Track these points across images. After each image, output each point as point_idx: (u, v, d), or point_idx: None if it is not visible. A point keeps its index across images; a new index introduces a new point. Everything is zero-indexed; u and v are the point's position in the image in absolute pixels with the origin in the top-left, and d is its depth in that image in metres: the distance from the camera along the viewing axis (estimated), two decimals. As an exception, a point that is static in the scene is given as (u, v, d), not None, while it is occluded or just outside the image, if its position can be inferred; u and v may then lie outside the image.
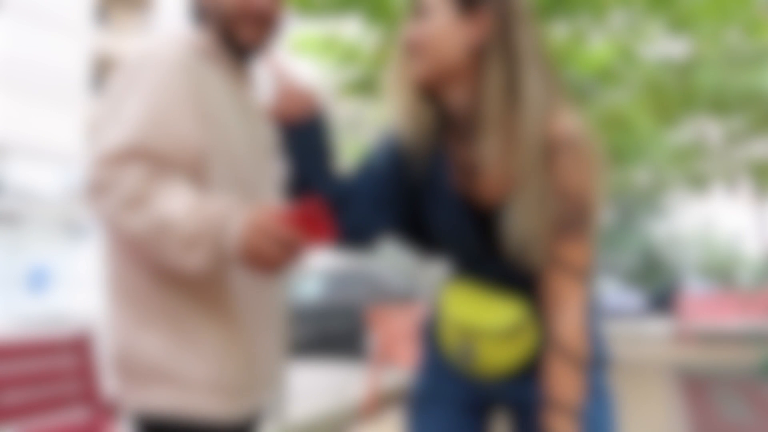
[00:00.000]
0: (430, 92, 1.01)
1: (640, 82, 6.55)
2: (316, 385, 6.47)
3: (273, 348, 1.14)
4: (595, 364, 1.05)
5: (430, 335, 1.17)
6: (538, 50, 0.97)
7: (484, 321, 1.01)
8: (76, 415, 2.39)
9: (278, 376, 1.20)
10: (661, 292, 21.24)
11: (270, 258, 0.90)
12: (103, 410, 2.48)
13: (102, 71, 24.32)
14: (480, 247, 1.05)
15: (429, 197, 1.08)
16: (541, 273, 0.99)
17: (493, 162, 0.96)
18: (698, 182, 10.04)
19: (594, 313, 1.07)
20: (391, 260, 17.49)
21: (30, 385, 2.28)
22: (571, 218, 0.95)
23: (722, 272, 24.80)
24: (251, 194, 1.07)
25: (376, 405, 4.41)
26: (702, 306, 10.31)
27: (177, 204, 0.91)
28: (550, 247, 0.96)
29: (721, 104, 6.91)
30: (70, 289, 18.16)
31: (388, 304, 7.85)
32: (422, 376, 1.16)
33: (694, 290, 17.93)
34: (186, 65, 1.03)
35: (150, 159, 0.94)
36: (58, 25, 21.48)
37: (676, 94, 6.76)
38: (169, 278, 1.00)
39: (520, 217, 0.94)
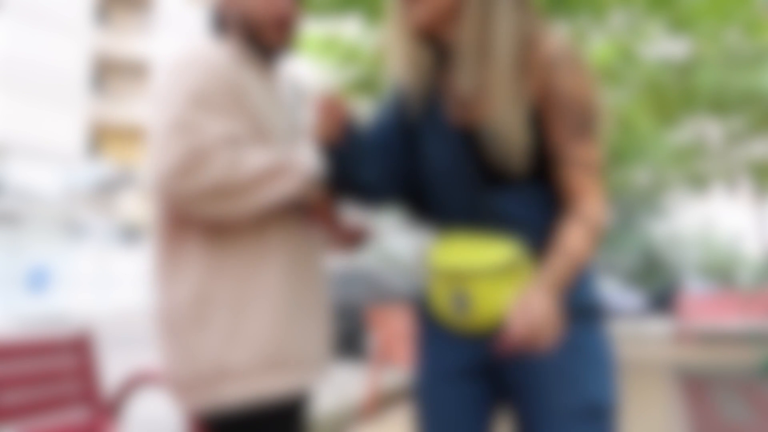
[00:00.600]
0: (429, 33, 1.09)
1: (640, 82, 6.55)
2: (316, 385, 6.47)
3: (317, 330, 1.26)
4: (596, 312, 1.07)
5: (423, 309, 1.18)
6: None
7: (477, 261, 1.03)
8: (76, 415, 2.39)
9: (323, 357, 1.33)
10: (661, 292, 21.25)
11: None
12: (103, 410, 2.48)
13: (102, 71, 24.32)
14: (473, 178, 1.09)
15: (427, 138, 1.14)
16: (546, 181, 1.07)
17: (468, 85, 1.04)
18: (698, 182, 10.04)
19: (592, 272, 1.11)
20: (391, 260, 17.50)
21: (30, 385, 2.28)
22: (579, 122, 1.03)
23: (722, 272, 24.82)
24: None
25: (376, 405, 4.41)
26: (702, 306, 10.31)
27: (258, 157, 1.12)
28: (561, 151, 1.04)
29: (721, 104, 6.91)
30: (70, 289, 18.16)
31: (388, 304, 7.85)
32: (422, 356, 1.16)
33: (694, 290, 17.93)
34: (227, 64, 1.17)
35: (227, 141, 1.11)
36: (58, 25, 21.48)
37: (676, 94, 6.76)
38: (225, 275, 1.13)
39: (499, 130, 1.02)
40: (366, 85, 5.62)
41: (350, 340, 8.12)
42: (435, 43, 1.12)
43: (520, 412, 1.06)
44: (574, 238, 1.01)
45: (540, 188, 1.07)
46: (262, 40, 1.24)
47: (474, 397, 1.11)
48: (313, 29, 5.52)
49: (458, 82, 1.06)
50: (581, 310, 1.06)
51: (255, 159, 1.11)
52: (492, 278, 1.02)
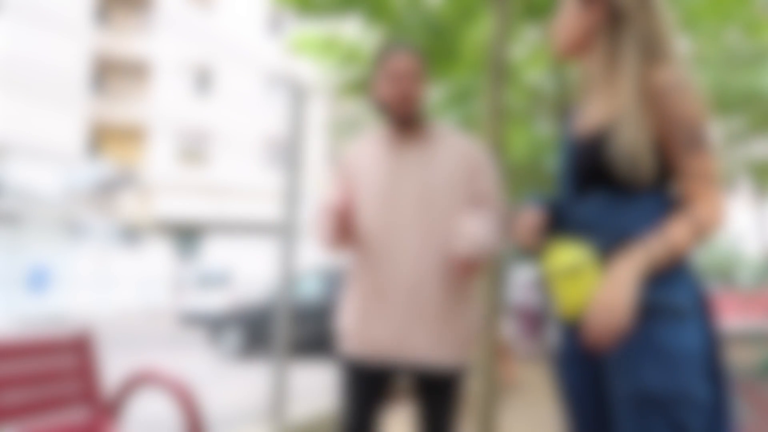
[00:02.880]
0: (566, 62, 1.40)
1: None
2: (316, 385, 6.46)
3: (402, 314, 1.63)
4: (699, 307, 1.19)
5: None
6: (642, 31, 1.27)
7: (558, 263, 1.23)
8: (76, 415, 2.39)
9: (411, 337, 1.62)
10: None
11: None
12: (103, 410, 2.48)
13: (102, 71, 24.30)
14: (571, 187, 1.32)
15: (560, 149, 1.42)
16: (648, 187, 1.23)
17: (613, 104, 1.26)
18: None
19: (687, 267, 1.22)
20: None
21: (30, 385, 2.28)
22: (690, 138, 1.19)
23: (722, 272, 24.81)
24: (383, 227, 1.68)
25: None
26: (702, 306, 10.31)
27: None
28: (679, 166, 1.20)
29: (721, 104, 6.91)
30: (70, 289, 18.15)
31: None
32: (557, 340, 1.38)
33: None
34: (344, 155, 1.82)
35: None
36: (58, 25, 21.47)
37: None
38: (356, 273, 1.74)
39: (624, 136, 1.21)
40: (366, 85, 5.61)
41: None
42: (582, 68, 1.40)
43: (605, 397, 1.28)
44: (675, 229, 1.16)
45: (614, 198, 1.24)
46: (395, 116, 1.70)
47: (584, 379, 1.30)
48: (313, 29, 5.52)
49: (589, 101, 1.32)
50: (652, 307, 1.17)
51: None
52: (564, 279, 1.21)
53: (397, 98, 1.67)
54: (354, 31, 5.59)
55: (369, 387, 1.67)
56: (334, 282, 8.44)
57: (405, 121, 1.70)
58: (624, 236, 1.21)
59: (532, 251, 1.37)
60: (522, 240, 1.37)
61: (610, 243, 1.22)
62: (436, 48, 4.58)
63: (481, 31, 4.67)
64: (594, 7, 1.32)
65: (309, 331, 8.29)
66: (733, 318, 10.05)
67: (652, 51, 1.26)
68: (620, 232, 1.22)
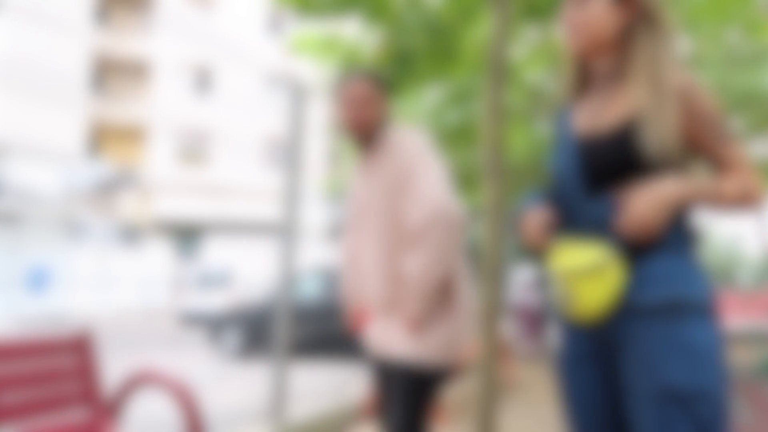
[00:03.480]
0: (583, 60, 1.37)
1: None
2: (316, 385, 6.46)
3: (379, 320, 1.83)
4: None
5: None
6: (670, 29, 1.31)
7: (573, 262, 1.23)
8: (76, 415, 2.39)
9: (382, 336, 1.81)
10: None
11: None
12: (103, 410, 2.48)
13: (102, 71, 24.30)
14: (582, 186, 1.31)
15: (559, 151, 1.40)
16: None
17: (641, 101, 1.26)
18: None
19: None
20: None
21: (30, 385, 2.28)
22: (721, 130, 1.24)
23: (722, 272, 24.79)
24: (358, 230, 1.91)
25: (376, 405, 4.41)
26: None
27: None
28: (717, 158, 1.25)
29: (721, 104, 6.91)
30: (70, 289, 18.15)
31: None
32: (561, 342, 1.38)
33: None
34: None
35: None
36: (58, 25, 21.47)
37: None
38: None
39: (657, 126, 1.23)
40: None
41: (350, 340, 8.12)
42: (581, 67, 1.41)
43: (622, 393, 1.28)
44: (727, 182, 1.21)
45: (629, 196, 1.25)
46: (352, 138, 1.86)
47: (595, 379, 1.31)
48: (313, 29, 5.51)
49: (628, 97, 1.29)
50: (676, 304, 1.18)
51: None
52: (584, 278, 1.22)
53: (352, 123, 1.85)
54: (354, 31, 5.60)
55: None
56: (334, 282, 8.44)
57: (363, 142, 1.87)
58: (650, 238, 1.23)
59: (539, 251, 1.35)
60: (530, 240, 1.33)
61: (631, 242, 1.23)
62: (436, 48, 4.58)
63: (481, 31, 4.67)
64: (626, 7, 1.31)
65: (309, 331, 8.29)
66: (733, 318, 10.05)
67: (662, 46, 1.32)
68: (647, 235, 1.21)
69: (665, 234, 1.23)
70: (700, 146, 1.25)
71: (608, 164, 1.26)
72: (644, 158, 1.22)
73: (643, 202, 1.16)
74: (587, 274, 1.20)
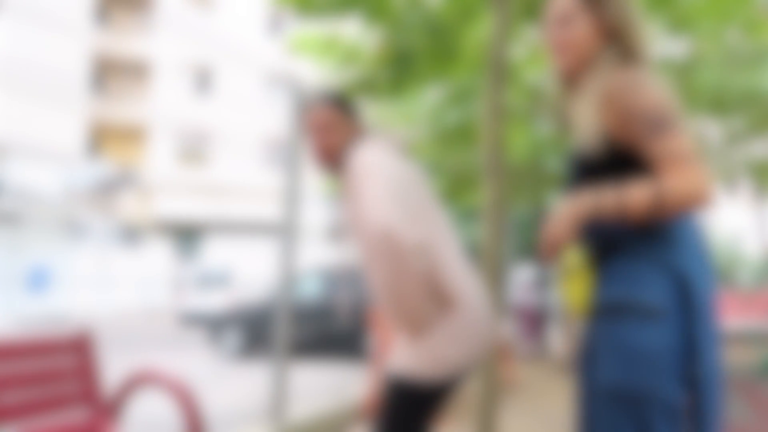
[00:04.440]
0: (569, 76, 1.40)
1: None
2: (316, 385, 6.46)
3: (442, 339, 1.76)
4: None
5: None
6: (625, 42, 1.36)
7: (567, 264, 1.36)
8: (76, 415, 2.39)
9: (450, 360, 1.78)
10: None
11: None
12: (103, 410, 2.48)
13: (102, 71, 24.30)
14: (571, 187, 1.37)
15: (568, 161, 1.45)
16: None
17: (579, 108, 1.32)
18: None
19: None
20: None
21: (30, 385, 2.28)
22: (652, 124, 1.19)
23: (722, 272, 24.80)
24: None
25: (376, 405, 4.41)
26: (702, 306, 10.30)
27: None
28: (650, 154, 1.20)
29: (721, 104, 6.91)
30: (70, 289, 18.15)
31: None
32: (582, 338, 1.42)
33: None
34: None
35: None
36: (58, 25, 21.47)
37: (676, 94, 6.76)
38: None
39: (582, 129, 1.29)
40: (366, 85, 5.62)
41: (350, 340, 8.12)
42: (568, 82, 1.45)
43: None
44: (634, 190, 1.17)
45: None
46: (321, 165, 1.84)
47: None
48: (313, 29, 5.52)
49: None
50: (620, 304, 1.21)
51: None
52: (569, 278, 1.33)
53: (316, 150, 1.83)
54: (354, 31, 5.60)
55: None
56: (334, 282, 8.44)
57: (332, 168, 1.85)
58: (611, 240, 1.28)
59: (549, 257, 1.36)
60: (551, 250, 1.29)
61: (599, 246, 1.30)
62: (436, 48, 4.58)
63: (481, 31, 4.67)
64: (599, 24, 1.37)
65: (309, 331, 8.29)
66: (733, 318, 10.05)
67: (630, 59, 1.35)
68: (607, 236, 1.28)
69: (626, 236, 1.24)
70: (637, 145, 1.23)
71: (577, 171, 1.35)
72: (588, 164, 1.28)
73: (554, 217, 1.23)
74: (569, 275, 1.33)
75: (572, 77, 1.40)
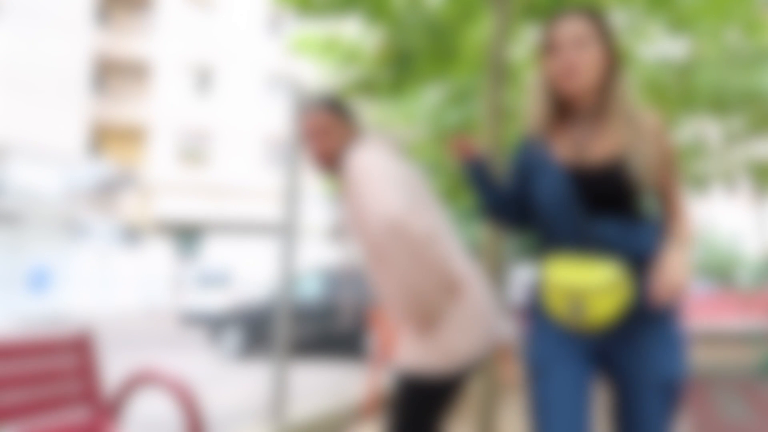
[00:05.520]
0: (569, 98, 1.50)
1: (640, 82, 6.55)
2: (316, 385, 6.46)
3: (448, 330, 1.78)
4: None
5: (537, 310, 1.56)
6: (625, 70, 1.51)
7: (590, 280, 1.40)
8: (76, 415, 2.39)
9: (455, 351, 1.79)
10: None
11: None
12: (103, 410, 2.48)
13: (102, 71, 24.31)
14: (579, 210, 1.46)
15: (539, 178, 1.54)
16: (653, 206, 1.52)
17: (625, 139, 1.45)
18: (698, 182, 10.03)
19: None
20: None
21: (30, 385, 2.28)
22: (675, 171, 1.49)
23: (722, 272, 24.78)
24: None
25: (376, 405, 4.41)
26: (702, 306, 10.31)
27: None
28: (666, 192, 1.50)
29: (721, 104, 6.91)
30: (70, 289, 18.15)
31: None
32: (538, 346, 1.51)
33: (694, 290, 17.92)
34: None
35: None
36: (58, 25, 21.48)
37: (676, 94, 6.76)
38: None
39: (640, 162, 1.43)
40: (366, 85, 5.62)
41: (350, 340, 8.12)
42: (562, 104, 1.55)
43: (619, 386, 1.44)
44: (677, 235, 1.47)
45: (629, 218, 1.44)
46: (320, 169, 1.86)
47: (581, 375, 1.45)
48: (313, 29, 5.52)
49: (611, 133, 1.48)
50: (669, 307, 1.43)
51: None
52: (603, 293, 1.39)
53: (313, 155, 1.84)
54: (354, 31, 5.60)
55: None
56: (334, 282, 8.45)
57: (330, 171, 1.87)
58: (642, 255, 1.43)
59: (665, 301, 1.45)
60: (669, 295, 1.41)
61: (631, 261, 1.43)
62: (436, 48, 4.58)
63: (481, 31, 4.68)
64: (607, 52, 1.49)
65: (309, 331, 8.29)
66: (733, 318, 10.05)
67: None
68: (640, 251, 1.43)
69: (658, 250, 1.47)
70: (662, 182, 1.50)
71: (604, 191, 1.44)
72: (632, 188, 1.43)
73: (672, 271, 1.35)
74: (604, 289, 1.39)
75: (576, 98, 1.49)
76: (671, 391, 1.40)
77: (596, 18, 1.48)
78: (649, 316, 1.41)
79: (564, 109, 1.56)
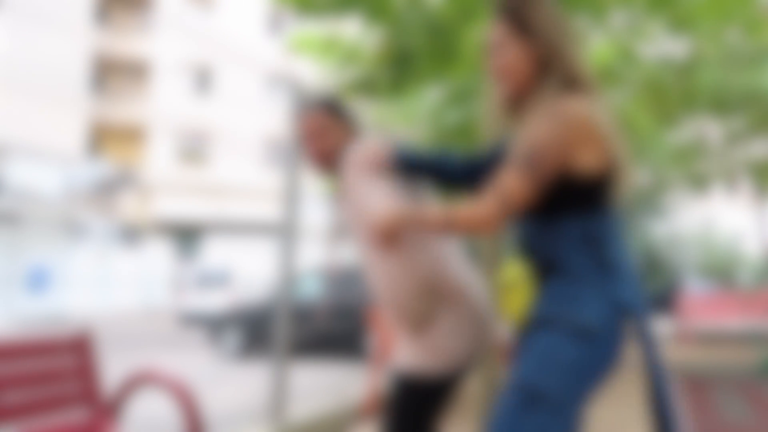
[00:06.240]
0: (513, 98, 1.48)
1: (640, 82, 6.54)
2: (316, 385, 6.46)
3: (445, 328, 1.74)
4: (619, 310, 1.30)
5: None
6: (563, 67, 1.40)
7: (504, 279, 1.39)
8: (76, 415, 2.39)
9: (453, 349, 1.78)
10: (661, 292, 21.22)
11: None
12: (103, 410, 2.48)
13: (102, 71, 24.30)
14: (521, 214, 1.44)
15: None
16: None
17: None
18: (698, 182, 10.03)
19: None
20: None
21: (29, 386, 2.27)
22: (516, 156, 1.32)
23: (722, 272, 24.77)
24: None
25: (376, 405, 4.41)
26: (702, 306, 10.31)
27: None
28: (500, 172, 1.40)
29: (721, 104, 6.90)
30: (70, 289, 18.15)
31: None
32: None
33: (695, 290, 17.92)
34: None
35: None
36: (58, 25, 21.47)
37: (676, 94, 6.75)
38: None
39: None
40: (366, 85, 5.61)
41: (350, 340, 8.12)
42: (511, 103, 1.52)
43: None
44: (433, 209, 1.38)
45: (542, 223, 1.37)
46: (318, 169, 1.86)
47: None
48: (313, 29, 5.52)
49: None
50: (547, 318, 1.32)
51: None
52: (506, 291, 1.40)
53: (309, 155, 1.84)
54: (354, 31, 5.60)
55: None
56: (334, 282, 8.44)
57: (328, 171, 1.86)
58: (553, 258, 1.36)
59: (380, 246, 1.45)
60: (380, 241, 1.43)
61: (542, 263, 1.38)
62: (436, 48, 4.58)
63: (481, 31, 4.67)
64: (529, 51, 1.43)
65: (309, 331, 8.29)
66: (733, 318, 10.05)
67: (573, 85, 1.40)
68: (550, 254, 1.36)
69: (569, 259, 1.34)
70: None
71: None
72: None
73: (379, 212, 1.37)
74: (509, 286, 1.42)
75: (514, 102, 1.48)
76: (527, 395, 1.27)
77: (516, 13, 1.43)
78: (538, 321, 1.34)
79: (519, 108, 1.53)
